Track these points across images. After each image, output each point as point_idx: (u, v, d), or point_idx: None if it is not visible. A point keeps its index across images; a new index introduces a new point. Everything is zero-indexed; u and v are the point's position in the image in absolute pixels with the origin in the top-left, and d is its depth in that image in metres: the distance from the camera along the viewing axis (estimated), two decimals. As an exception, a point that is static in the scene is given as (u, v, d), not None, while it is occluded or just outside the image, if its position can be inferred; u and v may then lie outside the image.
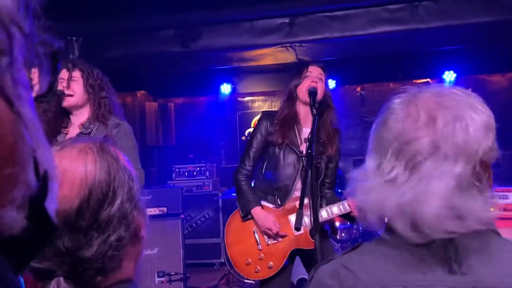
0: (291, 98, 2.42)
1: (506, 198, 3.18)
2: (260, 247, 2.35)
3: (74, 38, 4.80)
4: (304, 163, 2.22)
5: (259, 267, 2.33)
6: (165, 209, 4.63)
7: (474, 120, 0.73)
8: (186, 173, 5.87)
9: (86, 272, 0.74)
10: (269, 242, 2.34)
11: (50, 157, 0.42)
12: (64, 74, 2.36)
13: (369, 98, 6.52)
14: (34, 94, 0.40)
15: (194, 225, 5.65)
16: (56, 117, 2.35)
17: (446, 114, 0.72)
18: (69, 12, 4.42)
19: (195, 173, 5.85)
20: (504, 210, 3.11)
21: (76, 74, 2.37)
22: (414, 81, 6.26)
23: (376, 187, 0.73)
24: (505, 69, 6.16)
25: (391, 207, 0.71)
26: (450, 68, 6.05)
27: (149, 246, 4.27)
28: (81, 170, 0.75)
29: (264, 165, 2.47)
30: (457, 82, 6.09)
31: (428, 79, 6.33)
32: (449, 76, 6.08)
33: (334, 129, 2.45)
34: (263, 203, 2.39)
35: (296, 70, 2.50)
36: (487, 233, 0.73)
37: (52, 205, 0.42)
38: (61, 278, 0.73)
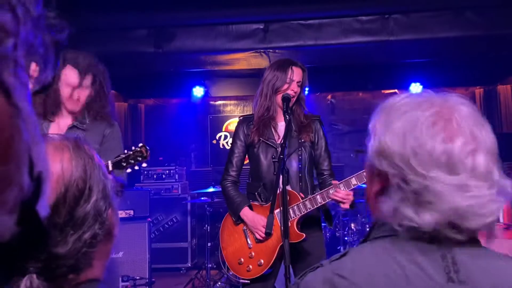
0: (270, 96, 2.42)
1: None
2: (250, 245, 2.37)
3: (41, 33, 4.65)
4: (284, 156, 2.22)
5: (250, 266, 2.34)
6: (131, 212, 4.53)
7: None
8: (155, 176, 5.77)
9: (59, 269, 0.73)
10: (258, 239, 2.36)
11: (46, 157, 0.38)
12: (74, 78, 2.16)
13: (339, 106, 6.65)
14: (31, 86, 0.36)
15: (161, 228, 5.55)
16: (44, 105, 2.19)
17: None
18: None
19: (164, 176, 5.76)
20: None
21: (87, 82, 2.20)
22: (383, 91, 6.45)
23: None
24: (468, 83, 6.44)
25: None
26: (416, 80, 6.26)
27: (114, 249, 4.15)
28: (58, 167, 0.75)
29: (250, 168, 2.52)
30: (423, 94, 6.31)
31: (396, 90, 6.53)
32: (416, 88, 6.29)
33: (307, 116, 2.49)
34: (253, 202, 2.42)
35: (278, 63, 2.46)
36: (477, 241, 0.77)
37: (43, 210, 0.38)
38: (34, 275, 0.71)
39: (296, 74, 2.40)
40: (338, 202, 2.23)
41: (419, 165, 0.74)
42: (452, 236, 0.73)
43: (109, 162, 2.09)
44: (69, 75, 2.17)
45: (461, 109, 0.78)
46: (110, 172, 2.07)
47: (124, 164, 2.11)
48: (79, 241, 0.74)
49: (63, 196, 0.73)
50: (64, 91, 2.18)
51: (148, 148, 2.13)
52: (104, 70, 2.29)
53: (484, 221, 0.73)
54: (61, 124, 2.26)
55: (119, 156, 2.11)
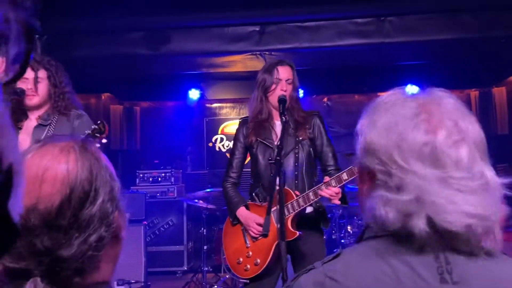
0: (261, 98, 2.46)
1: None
2: (248, 245, 2.40)
3: (37, 36, 4.63)
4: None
5: (248, 265, 2.36)
6: (127, 215, 4.50)
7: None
8: (151, 179, 5.74)
9: (64, 272, 0.71)
10: (255, 238, 2.38)
11: (17, 149, 0.37)
12: (28, 73, 2.31)
13: (335, 109, 6.65)
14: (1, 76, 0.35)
15: (157, 232, 5.52)
16: (12, 115, 2.29)
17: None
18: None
19: (159, 179, 5.73)
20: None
21: (42, 74, 2.35)
22: (378, 93, 6.46)
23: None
24: (464, 86, 6.46)
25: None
26: (412, 82, 6.25)
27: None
28: (63, 168, 0.74)
29: (250, 169, 2.54)
30: (418, 96, 6.33)
31: (392, 93, 6.55)
32: (411, 90, 6.30)
33: (304, 112, 2.49)
34: (250, 202, 2.45)
35: (266, 66, 2.51)
36: (473, 240, 0.73)
37: (17, 204, 0.36)
38: (38, 279, 0.69)
39: (282, 72, 2.42)
40: (328, 199, 2.23)
41: (401, 158, 0.73)
42: (433, 236, 0.71)
43: None
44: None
45: (445, 101, 0.78)
46: None
47: None
48: (84, 244, 0.72)
49: (68, 198, 0.72)
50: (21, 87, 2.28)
51: (106, 123, 2.21)
52: (57, 64, 2.41)
53: (466, 220, 0.70)
54: (27, 128, 2.35)
55: None
